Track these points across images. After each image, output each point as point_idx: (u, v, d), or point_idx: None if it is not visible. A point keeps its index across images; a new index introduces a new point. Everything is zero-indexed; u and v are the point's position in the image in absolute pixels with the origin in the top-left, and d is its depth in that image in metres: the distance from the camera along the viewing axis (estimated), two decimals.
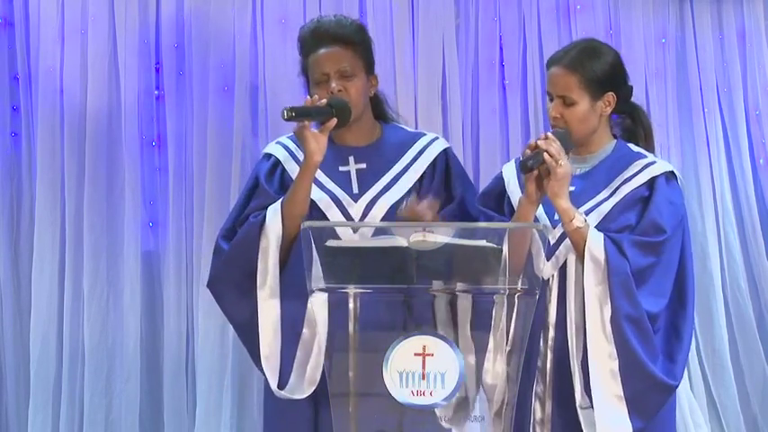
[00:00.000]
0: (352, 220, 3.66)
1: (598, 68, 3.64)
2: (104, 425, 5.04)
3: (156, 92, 5.16)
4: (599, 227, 3.56)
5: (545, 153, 3.49)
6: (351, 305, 3.19)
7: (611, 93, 3.66)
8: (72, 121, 5.08)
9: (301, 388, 3.55)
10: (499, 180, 3.80)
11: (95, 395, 5.04)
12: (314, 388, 3.55)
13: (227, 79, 5.13)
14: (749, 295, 5.31)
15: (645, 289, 3.54)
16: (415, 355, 3.07)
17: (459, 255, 3.14)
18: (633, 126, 3.79)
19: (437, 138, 3.86)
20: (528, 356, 3.55)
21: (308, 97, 3.59)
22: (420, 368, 3.06)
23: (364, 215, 3.67)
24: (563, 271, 3.59)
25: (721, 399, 5.21)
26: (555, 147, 3.50)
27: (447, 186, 3.77)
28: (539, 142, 3.52)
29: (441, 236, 3.14)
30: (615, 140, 3.75)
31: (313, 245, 3.15)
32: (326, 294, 3.40)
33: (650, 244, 3.56)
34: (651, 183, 3.64)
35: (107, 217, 5.08)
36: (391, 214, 3.67)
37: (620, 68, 3.72)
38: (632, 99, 3.81)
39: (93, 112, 5.08)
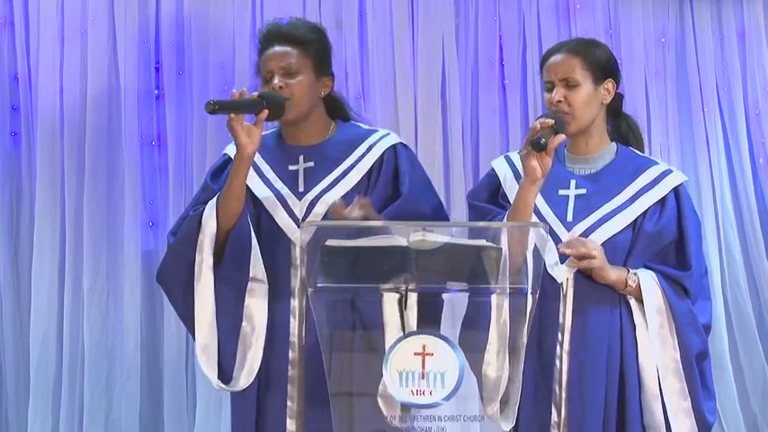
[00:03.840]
0: (297, 218, 3.67)
1: (598, 53, 3.67)
2: (104, 425, 5.05)
3: (155, 91, 5.16)
4: (634, 243, 3.60)
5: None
6: (350, 305, 3.19)
7: (610, 80, 3.68)
8: (72, 120, 5.08)
9: (240, 380, 3.62)
10: (492, 177, 3.80)
11: (95, 395, 5.04)
12: (251, 379, 3.62)
13: (227, 79, 5.13)
14: (749, 295, 5.31)
15: (696, 305, 3.66)
16: (415, 354, 3.07)
17: (459, 254, 3.14)
18: (628, 130, 3.81)
19: (389, 134, 3.84)
20: (544, 360, 3.58)
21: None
22: (420, 367, 3.06)
23: (307, 213, 3.68)
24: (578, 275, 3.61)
25: (721, 399, 5.20)
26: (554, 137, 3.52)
27: (395, 183, 3.76)
28: (539, 122, 3.52)
29: (440, 236, 3.13)
30: (615, 144, 3.76)
31: (311, 244, 3.15)
32: (266, 287, 3.56)
33: (701, 274, 3.68)
34: (673, 194, 3.67)
35: (107, 217, 5.08)
36: None
37: (616, 62, 3.74)
38: (623, 106, 3.84)
39: (93, 111, 5.08)
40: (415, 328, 3.14)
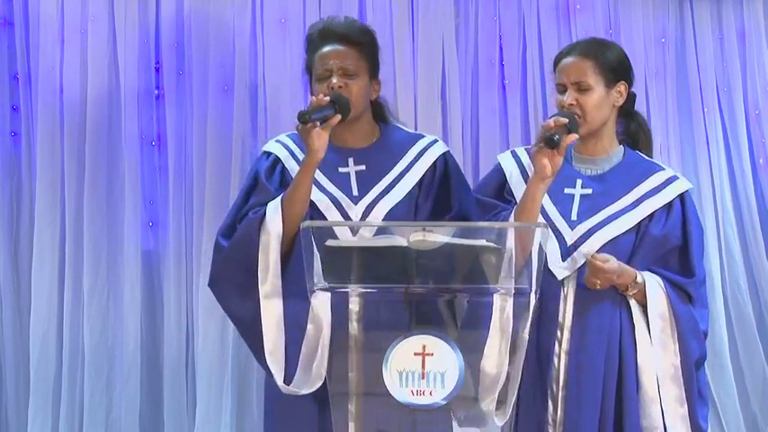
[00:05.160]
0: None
1: (610, 56, 3.67)
2: (104, 425, 5.04)
3: (155, 91, 5.16)
4: (638, 246, 3.61)
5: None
6: (351, 305, 3.19)
7: (623, 82, 3.68)
8: (72, 120, 5.07)
9: (307, 383, 3.53)
10: (498, 172, 3.79)
11: (95, 395, 5.04)
12: (320, 383, 3.50)
13: (227, 79, 5.13)
14: (749, 295, 5.31)
15: (696, 312, 3.68)
16: (415, 354, 3.07)
17: (459, 254, 3.14)
18: (637, 131, 3.80)
19: (436, 140, 3.86)
20: (541, 357, 3.58)
21: (312, 97, 3.58)
22: (420, 368, 3.06)
23: (364, 217, 3.67)
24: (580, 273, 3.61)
25: (721, 398, 5.20)
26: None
27: (446, 193, 3.76)
28: (552, 120, 3.52)
29: (441, 235, 3.13)
30: (622, 146, 3.76)
31: (314, 244, 3.15)
32: (329, 293, 3.42)
33: (701, 282, 3.70)
34: (678, 200, 3.68)
35: (107, 217, 5.08)
36: (391, 217, 3.67)
37: (629, 63, 3.74)
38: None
39: (93, 111, 5.08)
40: (415, 329, 3.14)
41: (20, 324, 5.08)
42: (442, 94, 5.23)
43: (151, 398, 5.10)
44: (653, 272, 3.62)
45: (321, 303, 3.46)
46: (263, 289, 3.58)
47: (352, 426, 3.16)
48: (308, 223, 3.22)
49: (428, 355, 3.07)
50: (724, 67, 5.39)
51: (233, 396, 5.05)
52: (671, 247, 3.65)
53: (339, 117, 3.57)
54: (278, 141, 3.81)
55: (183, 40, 5.14)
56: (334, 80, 3.66)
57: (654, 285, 3.58)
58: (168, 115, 5.13)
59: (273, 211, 3.61)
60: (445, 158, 3.81)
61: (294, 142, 3.76)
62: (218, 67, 5.13)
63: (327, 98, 3.58)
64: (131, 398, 5.04)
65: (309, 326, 3.51)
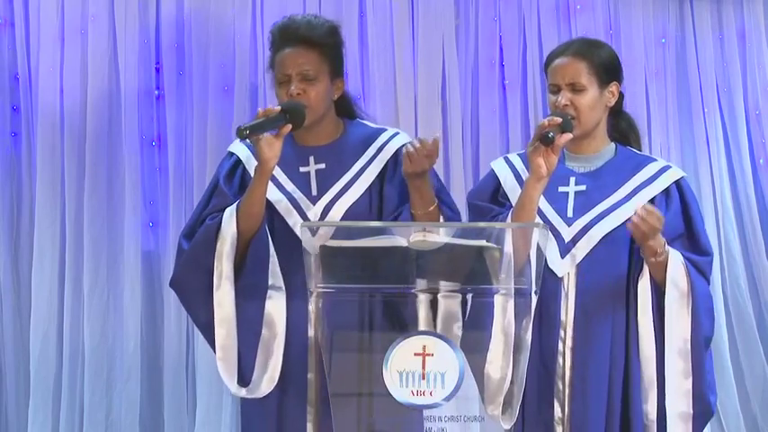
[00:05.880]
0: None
1: (603, 56, 3.68)
2: (104, 425, 5.04)
3: (156, 92, 5.16)
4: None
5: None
6: (350, 305, 3.19)
7: (615, 83, 3.68)
8: (72, 121, 5.08)
9: (260, 388, 3.62)
10: (492, 178, 3.80)
11: (95, 395, 5.04)
12: (273, 385, 3.61)
13: (227, 79, 5.13)
14: (749, 295, 5.31)
15: None
16: (415, 354, 3.07)
17: (459, 254, 3.14)
18: (627, 129, 3.81)
19: (398, 133, 3.84)
20: (545, 356, 3.59)
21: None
22: (420, 368, 3.06)
23: (322, 217, 3.67)
24: (579, 269, 3.61)
25: (721, 399, 5.19)
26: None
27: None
28: (547, 120, 3.53)
29: (440, 236, 3.14)
30: (614, 143, 3.77)
31: (310, 244, 3.15)
32: (284, 294, 3.55)
33: (709, 262, 3.69)
34: (675, 187, 3.67)
35: (107, 217, 5.08)
36: (349, 215, 3.68)
37: (620, 63, 3.75)
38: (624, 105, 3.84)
39: (94, 111, 5.08)
40: (414, 329, 3.14)
41: (20, 324, 5.08)
42: (442, 94, 5.23)
43: (151, 398, 5.10)
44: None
45: (275, 306, 3.56)
46: (217, 295, 3.63)
47: (352, 426, 3.16)
48: (307, 223, 3.22)
49: (428, 355, 3.07)
50: (724, 67, 5.39)
51: (233, 396, 5.04)
52: (675, 236, 3.65)
53: (290, 127, 3.55)
54: (242, 141, 3.80)
55: (183, 41, 5.15)
56: (293, 87, 3.64)
57: (676, 256, 3.58)
58: (168, 115, 5.13)
59: (228, 217, 3.64)
60: (406, 148, 3.77)
61: None
62: (218, 67, 5.13)
63: (278, 107, 3.56)
64: (131, 398, 5.04)
65: (264, 330, 3.59)
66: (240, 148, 3.79)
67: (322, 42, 3.69)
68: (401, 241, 3.11)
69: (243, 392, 3.64)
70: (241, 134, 3.46)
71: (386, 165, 3.75)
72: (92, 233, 5.06)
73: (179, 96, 5.14)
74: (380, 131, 3.83)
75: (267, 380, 3.62)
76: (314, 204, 3.70)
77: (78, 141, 5.08)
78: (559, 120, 3.53)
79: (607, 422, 3.60)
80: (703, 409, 3.60)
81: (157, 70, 5.17)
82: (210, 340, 3.70)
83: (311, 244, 3.14)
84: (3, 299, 5.08)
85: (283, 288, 3.63)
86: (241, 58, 5.13)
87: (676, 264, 3.57)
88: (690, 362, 3.57)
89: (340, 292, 3.17)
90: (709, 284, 3.67)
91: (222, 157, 5.01)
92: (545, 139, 3.48)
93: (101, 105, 5.08)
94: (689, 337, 3.57)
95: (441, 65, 5.22)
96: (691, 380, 3.57)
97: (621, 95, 3.78)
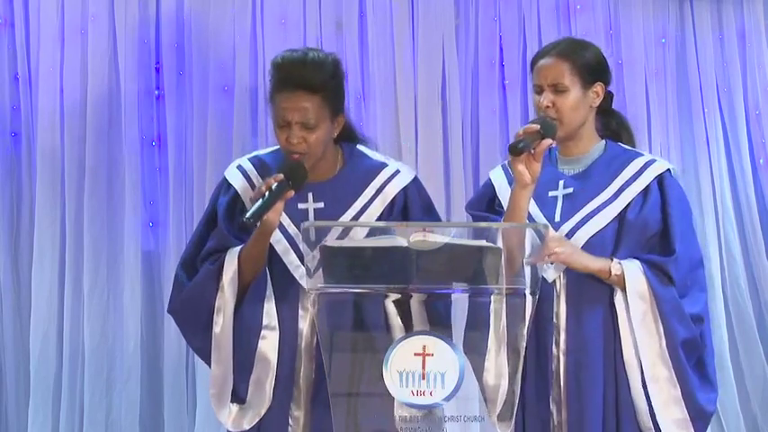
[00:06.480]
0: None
1: (588, 56, 3.68)
2: (104, 425, 5.05)
3: (156, 92, 5.16)
4: (620, 234, 3.60)
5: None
6: (350, 305, 3.19)
7: (599, 83, 3.68)
8: (72, 121, 5.08)
9: (247, 419, 3.69)
10: (488, 187, 3.81)
11: (95, 395, 5.04)
12: (255, 420, 3.67)
13: (227, 79, 5.13)
14: (749, 295, 5.31)
15: (689, 295, 3.62)
16: (415, 354, 3.07)
17: (459, 254, 3.14)
18: (618, 128, 3.81)
19: (398, 171, 3.75)
20: (541, 359, 3.58)
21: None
22: (420, 368, 3.06)
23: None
24: (569, 272, 3.61)
25: (721, 399, 5.18)
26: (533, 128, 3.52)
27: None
28: (522, 129, 3.54)
29: (440, 236, 3.14)
30: (604, 141, 3.77)
31: (312, 245, 3.16)
32: (277, 334, 3.59)
33: (691, 262, 3.64)
34: (657, 182, 3.66)
35: (107, 217, 5.08)
36: None
37: (606, 63, 3.74)
38: (624, 105, 3.84)
39: (94, 111, 5.08)
40: (415, 329, 3.14)
41: (20, 324, 5.09)
42: (442, 95, 5.23)
43: (151, 398, 5.10)
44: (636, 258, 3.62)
45: (268, 346, 3.60)
46: (216, 335, 3.65)
47: (352, 426, 3.16)
48: (308, 224, 3.22)
49: (428, 355, 3.07)
50: (724, 67, 5.40)
51: None
52: (652, 232, 3.64)
53: (293, 193, 3.50)
54: (239, 168, 3.75)
55: (183, 41, 5.15)
56: (294, 140, 3.55)
57: (632, 269, 3.57)
58: (168, 115, 5.14)
59: (229, 263, 3.63)
60: (405, 193, 3.72)
61: (255, 168, 3.73)
62: (218, 67, 5.13)
63: (279, 176, 3.48)
64: (131, 398, 5.04)
65: (257, 366, 3.62)
66: (236, 178, 3.73)
67: (324, 86, 3.58)
68: (401, 241, 3.11)
69: (228, 425, 3.71)
70: (249, 223, 3.45)
71: (383, 211, 3.70)
72: (92, 233, 5.06)
73: (179, 96, 5.14)
74: (381, 167, 3.75)
75: (252, 416, 3.67)
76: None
77: (78, 141, 5.08)
78: (536, 127, 3.52)
79: (604, 426, 3.60)
80: (698, 412, 3.60)
81: (157, 70, 5.17)
82: (203, 358, 3.74)
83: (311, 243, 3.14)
84: (3, 299, 5.08)
85: (278, 328, 3.63)
86: (241, 58, 5.13)
87: (635, 275, 3.56)
88: (672, 369, 3.57)
89: (340, 292, 3.17)
90: (674, 285, 3.60)
91: (222, 156, 5.07)
92: (512, 150, 3.48)
93: (101, 105, 5.09)
94: (665, 346, 3.56)
95: (441, 65, 5.23)
96: (678, 387, 3.57)
97: (610, 95, 3.78)
